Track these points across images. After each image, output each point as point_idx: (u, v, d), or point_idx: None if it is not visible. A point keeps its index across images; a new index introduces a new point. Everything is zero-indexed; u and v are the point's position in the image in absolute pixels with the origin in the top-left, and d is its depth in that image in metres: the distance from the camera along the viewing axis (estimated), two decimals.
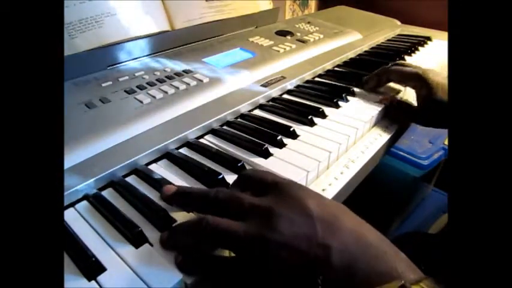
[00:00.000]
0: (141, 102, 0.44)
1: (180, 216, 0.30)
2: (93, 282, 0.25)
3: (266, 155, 0.38)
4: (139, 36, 0.56)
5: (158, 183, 0.33)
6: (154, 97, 0.45)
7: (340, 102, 0.51)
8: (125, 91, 0.46)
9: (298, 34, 0.75)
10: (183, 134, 0.40)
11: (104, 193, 0.33)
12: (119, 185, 0.34)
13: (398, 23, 1.00)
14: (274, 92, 0.53)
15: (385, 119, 0.53)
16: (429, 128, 0.95)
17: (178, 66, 0.55)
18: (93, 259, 0.25)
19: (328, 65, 0.66)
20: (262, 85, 0.53)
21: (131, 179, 0.35)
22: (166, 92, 0.46)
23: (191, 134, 0.41)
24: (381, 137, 0.48)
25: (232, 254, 0.27)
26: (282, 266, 0.23)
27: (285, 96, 0.55)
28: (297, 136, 0.43)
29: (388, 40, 0.86)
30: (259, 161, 0.38)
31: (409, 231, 0.83)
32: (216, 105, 0.47)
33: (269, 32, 0.74)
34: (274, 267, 0.23)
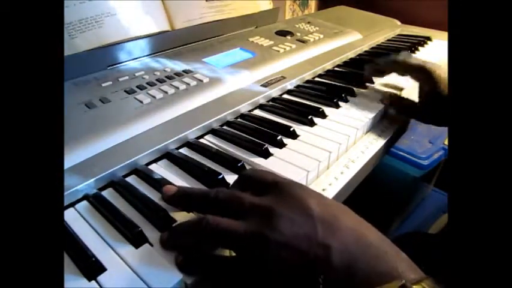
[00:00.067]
0: (141, 102, 0.44)
1: (180, 216, 0.30)
2: (93, 282, 0.25)
3: (266, 155, 0.39)
4: (139, 36, 0.56)
5: (158, 183, 0.33)
6: (154, 97, 0.45)
7: (340, 102, 0.51)
8: (125, 91, 0.46)
9: (298, 34, 0.75)
10: (183, 134, 0.40)
11: (104, 193, 0.33)
12: (119, 185, 0.34)
13: (398, 23, 1.00)
14: (274, 92, 0.53)
15: (385, 119, 0.53)
16: (429, 128, 0.95)
17: (178, 66, 0.55)
18: (93, 259, 0.25)
19: (328, 65, 0.66)
20: (262, 85, 0.53)
21: (131, 179, 0.35)
22: (166, 92, 0.46)
23: (191, 134, 0.41)
24: (381, 137, 0.48)
25: (233, 254, 0.27)
26: (282, 265, 0.23)
27: (285, 96, 0.55)
28: (297, 136, 0.43)
29: (388, 40, 0.86)
30: (259, 161, 0.38)
31: (409, 231, 0.83)
32: (216, 105, 0.47)
33: (269, 32, 0.74)
34: (274, 267, 0.23)
